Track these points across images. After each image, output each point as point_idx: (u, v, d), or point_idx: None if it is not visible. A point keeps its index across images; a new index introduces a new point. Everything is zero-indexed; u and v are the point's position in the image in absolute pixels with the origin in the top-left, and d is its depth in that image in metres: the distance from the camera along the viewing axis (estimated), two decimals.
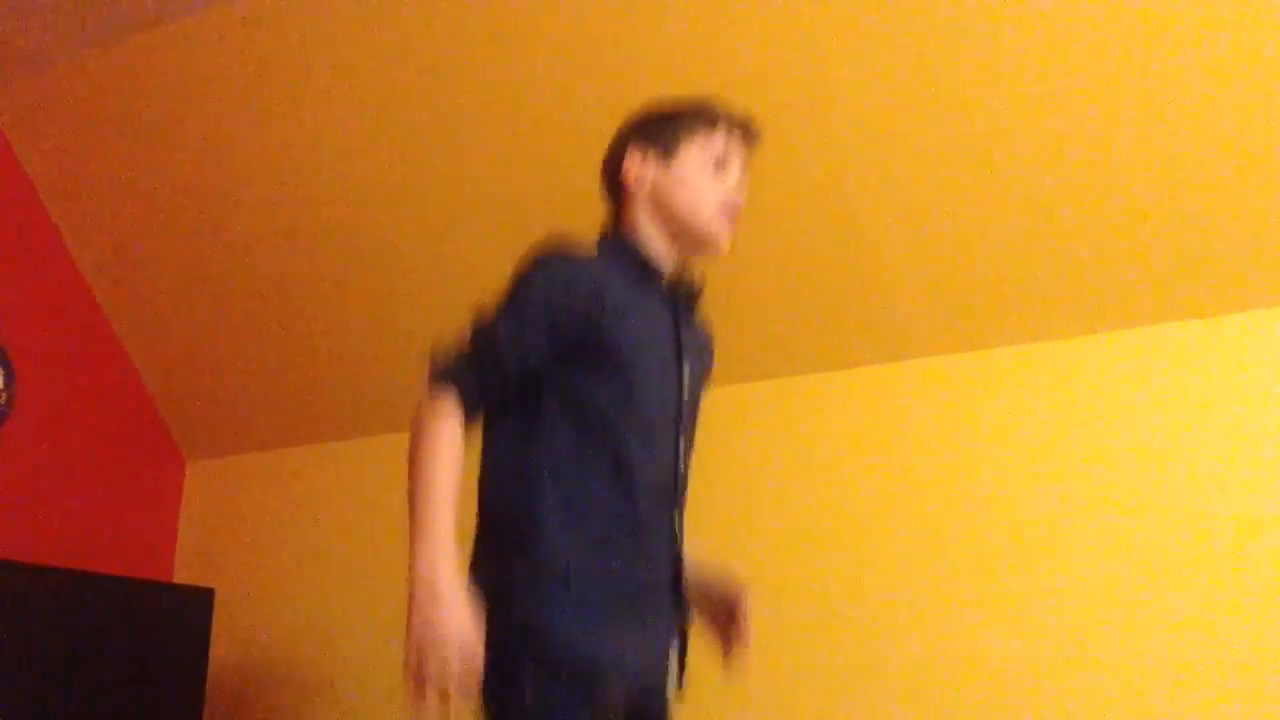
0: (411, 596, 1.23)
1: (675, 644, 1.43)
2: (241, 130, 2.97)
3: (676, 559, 1.44)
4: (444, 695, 1.20)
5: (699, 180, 1.48)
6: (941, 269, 2.48)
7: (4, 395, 3.13)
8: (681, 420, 1.47)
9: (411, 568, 1.24)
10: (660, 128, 1.52)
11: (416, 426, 1.34)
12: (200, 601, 3.11)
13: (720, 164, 1.49)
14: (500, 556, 1.36)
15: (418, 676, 1.19)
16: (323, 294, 3.16)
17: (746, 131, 1.54)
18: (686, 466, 1.49)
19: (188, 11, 2.80)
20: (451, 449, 1.32)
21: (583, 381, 1.38)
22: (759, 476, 2.70)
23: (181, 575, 3.54)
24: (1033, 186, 2.33)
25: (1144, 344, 2.38)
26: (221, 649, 3.24)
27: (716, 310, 2.67)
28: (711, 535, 2.84)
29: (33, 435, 3.20)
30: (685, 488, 1.49)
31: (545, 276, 1.40)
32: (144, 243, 3.29)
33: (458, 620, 1.21)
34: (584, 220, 2.81)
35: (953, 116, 2.32)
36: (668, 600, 1.41)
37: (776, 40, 2.37)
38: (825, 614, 2.54)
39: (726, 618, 1.56)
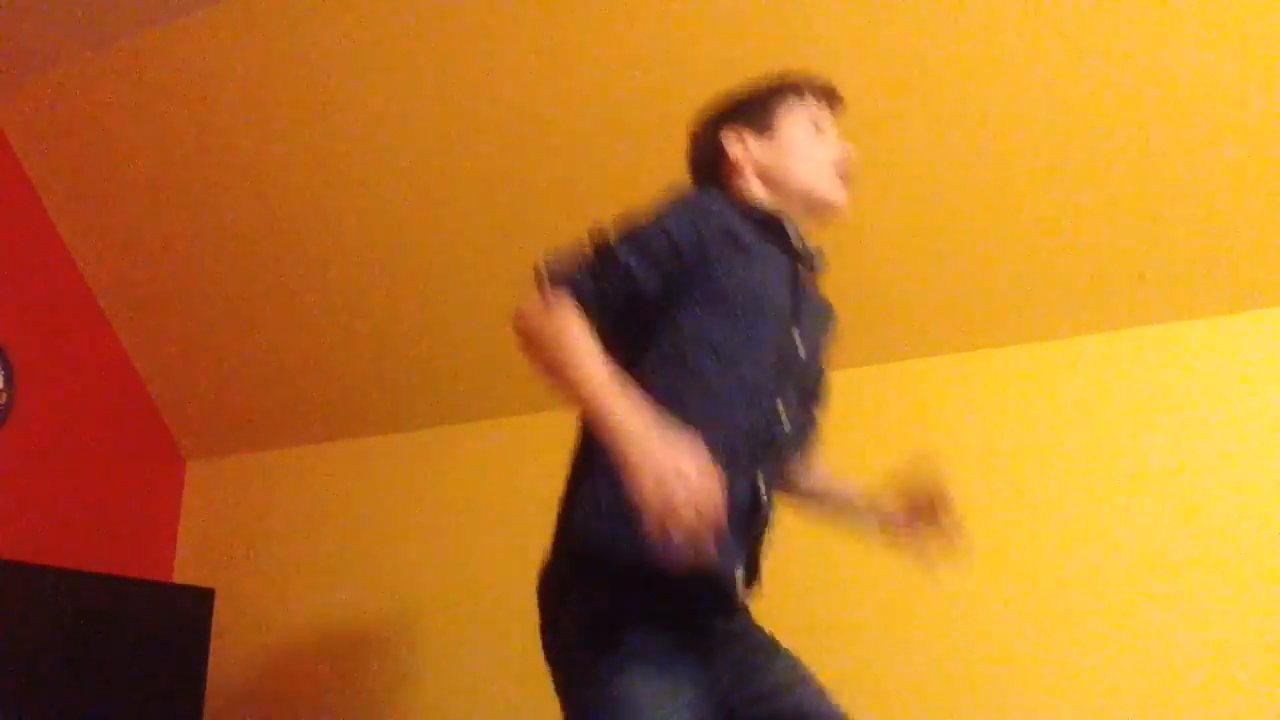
0: (625, 456, 1.14)
1: (741, 562, 1.37)
2: (242, 130, 2.97)
3: (755, 512, 1.38)
4: (695, 523, 1.11)
5: (807, 147, 1.47)
6: (941, 269, 2.49)
7: (4, 395, 3.13)
8: (792, 380, 1.41)
9: (613, 433, 1.16)
10: (751, 107, 1.50)
11: (537, 329, 1.28)
12: (200, 601, 3.11)
13: (818, 129, 1.48)
14: (591, 478, 1.33)
15: (665, 513, 1.10)
16: (323, 294, 3.16)
17: (831, 95, 1.52)
18: (794, 428, 1.43)
19: (188, 11, 2.80)
20: (584, 330, 1.26)
21: (691, 321, 1.35)
22: None
23: (181, 575, 3.54)
24: (1033, 187, 2.33)
25: (1144, 344, 2.38)
26: (221, 649, 3.24)
27: None
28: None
29: (33, 435, 3.20)
30: (791, 449, 1.43)
31: (681, 207, 1.37)
32: (144, 243, 3.29)
33: (684, 449, 1.13)
34: (584, 221, 2.81)
35: (953, 116, 2.32)
36: (737, 535, 1.34)
37: (776, 40, 2.37)
38: (825, 614, 2.54)
39: (924, 514, 1.51)
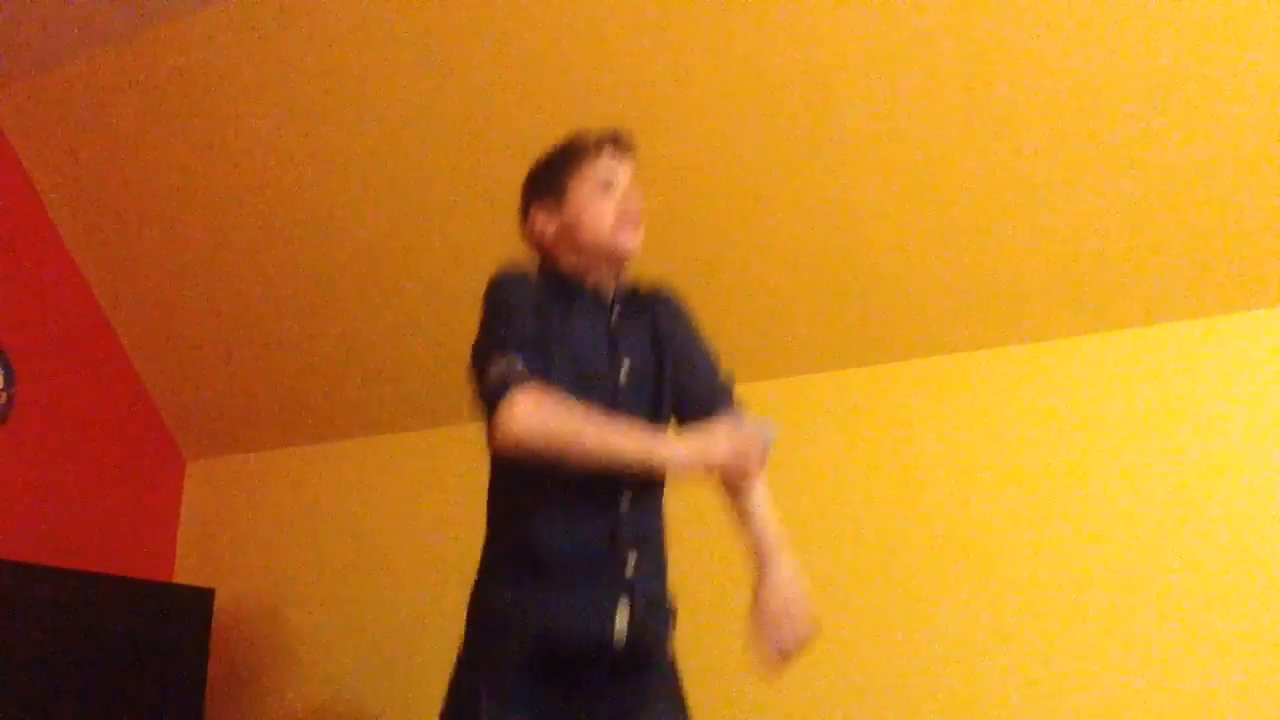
0: (694, 462, 1.52)
1: (624, 604, 1.53)
2: (242, 130, 2.97)
3: (618, 532, 1.56)
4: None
5: (593, 206, 1.64)
6: (941, 269, 2.49)
7: (4, 395, 3.13)
8: (619, 405, 1.58)
9: (673, 460, 1.53)
10: (546, 178, 1.69)
11: (544, 435, 1.50)
12: (200, 601, 3.11)
13: (606, 184, 1.65)
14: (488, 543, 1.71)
15: (751, 461, 1.55)
16: (323, 295, 3.16)
17: (619, 144, 1.68)
18: None
19: (189, 11, 2.80)
20: (571, 405, 1.49)
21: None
22: None
23: (181, 575, 3.54)
24: (1033, 186, 2.33)
25: (1144, 344, 2.38)
26: (221, 649, 3.24)
27: (717, 310, 2.66)
28: (710, 535, 2.84)
29: (33, 435, 3.20)
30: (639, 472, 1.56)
31: (501, 292, 1.62)
32: (144, 243, 3.30)
33: (709, 433, 1.56)
34: None
35: (953, 117, 2.32)
36: (608, 569, 1.55)
37: (777, 41, 2.38)
38: (823, 615, 2.53)
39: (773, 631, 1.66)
